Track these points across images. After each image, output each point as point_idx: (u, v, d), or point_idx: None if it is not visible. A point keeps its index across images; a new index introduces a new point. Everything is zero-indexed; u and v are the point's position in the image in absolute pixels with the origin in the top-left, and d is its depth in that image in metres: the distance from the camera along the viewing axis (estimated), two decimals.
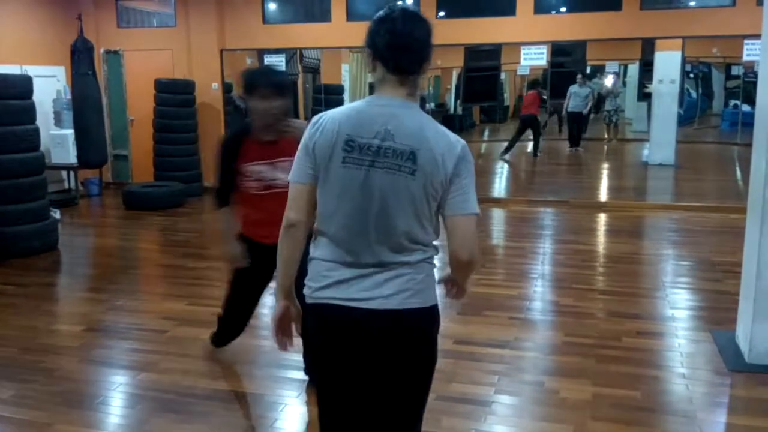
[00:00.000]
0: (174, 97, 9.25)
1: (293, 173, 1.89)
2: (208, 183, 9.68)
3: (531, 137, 13.83)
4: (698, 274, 5.59)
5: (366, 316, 1.82)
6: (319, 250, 1.90)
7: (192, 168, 9.49)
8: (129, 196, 8.58)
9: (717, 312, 4.56)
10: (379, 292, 1.82)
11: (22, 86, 6.36)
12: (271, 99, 2.94)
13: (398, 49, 1.82)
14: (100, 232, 7.78)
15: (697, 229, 7.27)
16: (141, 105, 9.63)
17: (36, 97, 6.53)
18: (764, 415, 3.18)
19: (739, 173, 10.95)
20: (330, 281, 1.85)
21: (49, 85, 8.72)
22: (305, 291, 1.92)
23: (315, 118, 1.87)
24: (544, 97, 13.96)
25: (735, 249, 6.27)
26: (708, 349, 3.95)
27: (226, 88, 10.01)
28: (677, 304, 4.80)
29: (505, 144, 13.67)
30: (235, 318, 3.57)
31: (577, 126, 14.07)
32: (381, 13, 1.85)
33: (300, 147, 1.88)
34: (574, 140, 14.11)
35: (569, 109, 13.72)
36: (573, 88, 13.48)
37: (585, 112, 13.74)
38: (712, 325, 4.31)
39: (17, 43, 8.51)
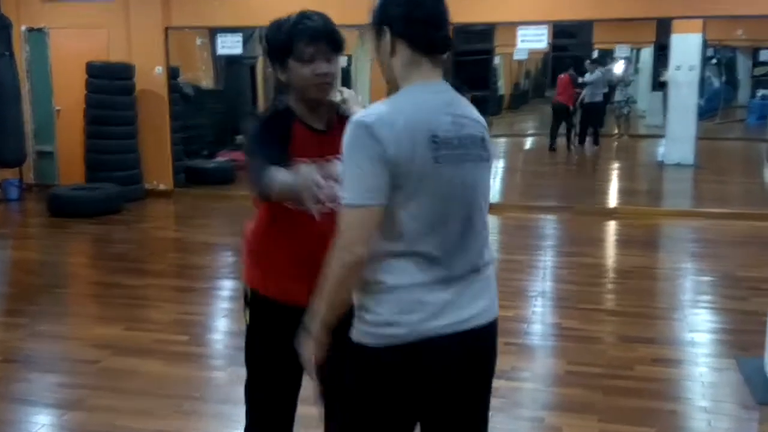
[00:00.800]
0: (110, 84, 9.16)
1: (360, 192, 1.73)
2: (149, 185, 9.62)
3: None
4: (721, 292, 5.66)
5: (480, 335, 1.88)
6: (404, 275, 1.80)
7: (131, 167, 9.40)
8: (55, 200, 8.48)
9: (743, 335, 4.62)
10: (483, 304, 1.89)
11: None
12: (322, 58, 2.23)
13: (427, 24, 1.84)
14: (20, 244, 7.67)
15: (720, 240, 7.37)
16: (70, 93, 9.51)
17: None
18: None
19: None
20: (435, 308, 1.81)
21: None
22: (391, 331, 1.80)
23: (367, 119, 1.75)
24: (580, 79, 13.83)
25: (763, 262, 6.38)
26: (733, 378, 3.99)
27: (172, 73, 9.95)
28: (698, 327, 4.85)
29: (502, 138, 13.91)
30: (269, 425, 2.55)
31: (593, 120, 14.20)
32: None
33: (363, 157, 1.73)
34: (586, 137, 14.24)
35: (586, 101, 13.80)
36: (587, 77, 13.62)
37: (583, 98, 13.85)
38: (737, 351, 4.35)
39: None
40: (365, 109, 1.82)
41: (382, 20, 1.85)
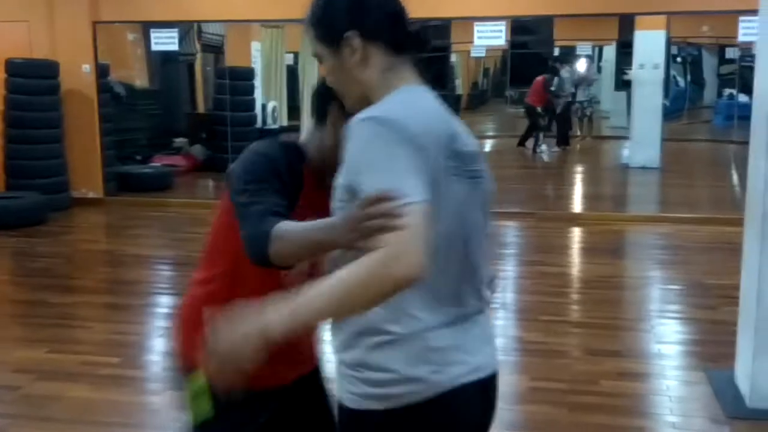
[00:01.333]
0: (31, 83, 9.00)
1: (415, 187, 1.42)
2: (77, 193, 9.45)
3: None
4: (689, 301, 5.77)
5: (491, 384, 1.70)
6: (413, 320, 1.55)
7: (56, 173, 9.24)
8: None
9: (712, 346, 4.71)
10: (491, 349, 1.73)
11: None
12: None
13: (401, 19, 1.67)
14: None
15: (687, 246, 7.52)
16: None
17: None
18: None
19: (735, 177, 11.40)
20: (451, 356, 1.60)
21: None
22: (406, 389, 1.55)
23: (382, 115, 1.52)
24: (552, 88, 14.24)
25: (732, 269, 6.47)
26: (702, 391, 4.05)
27: (102, 72, 9.80)
28: (665, 338, 4.94)
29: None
30: None
31: (560, 121, 14.82)
32: None
33: (394, 146, 1.46)
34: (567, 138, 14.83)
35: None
36: (555, 81, 14.11)
37: (561, 100, 14.35)
38: (706, 363, 4.43)
39: None
40: (365, 111, 1.54)
41: (345, 26, 1.62)
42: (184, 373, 1.95)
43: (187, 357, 1.93)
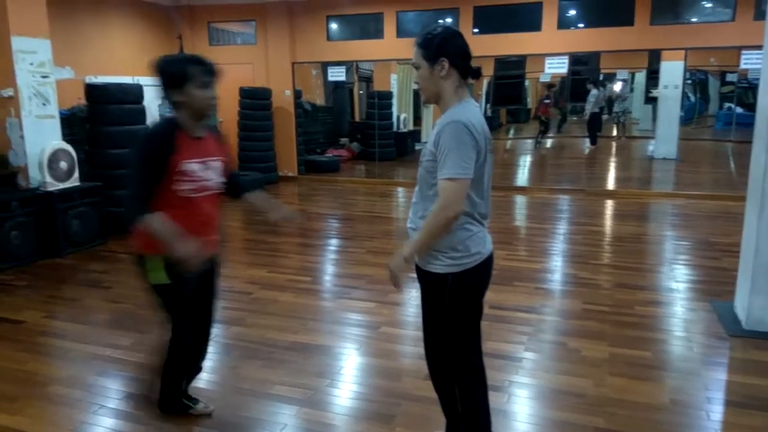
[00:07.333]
0: (254, 102, 9.33)
1: (467, 168, 1.83)
2: (282, 172, 9.78)
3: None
4: (697, 253, 5.37)
5: (492, 256, 2.08)
6: (476, 223, 1.97)
7: (269, 160, 9.57)
8: None
9: (714, 285, 4.38)
10: (491, 240, 2.07)
11: (135, 93, 6.50)
12: (212, 87, 2.29)
13: (470, 60, 1.95)
14: None
15: (695, 214, 6.99)
16: (228, 109, 9.74)
17: (146, 102, 6.67)
18: (760, 375, 3.04)
19: (732, 166, 10.43)
20: (485, 241, 2.01)
21: (156, 92, 8.89)
22: (466, 260, 1.95)
23: (465, 120, 1.83)
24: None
25: (729, 231, 6.02)
26: (708, 317, 3.79)
27: (296, 95, 10.05)
28: (679, 278, 4.63)
29: (529, 140, 13.78)
30: (188, 354, 2.60)
31: (593, 125, 13.81)
32: (448, 26, 1.95)
33: (466, 144, 1.81)
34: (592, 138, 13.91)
35: (590, 112, 13.61)
36: (589, 96, 13.30)
37: (587, 111, 13.53)
38: (710, 297, 4.13)
39: (131, 59, 8.70)
40: (452, 113, 1.87)
41: (442, 53, 1.89)
42: (141, 256, 2.30)
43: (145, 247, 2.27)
